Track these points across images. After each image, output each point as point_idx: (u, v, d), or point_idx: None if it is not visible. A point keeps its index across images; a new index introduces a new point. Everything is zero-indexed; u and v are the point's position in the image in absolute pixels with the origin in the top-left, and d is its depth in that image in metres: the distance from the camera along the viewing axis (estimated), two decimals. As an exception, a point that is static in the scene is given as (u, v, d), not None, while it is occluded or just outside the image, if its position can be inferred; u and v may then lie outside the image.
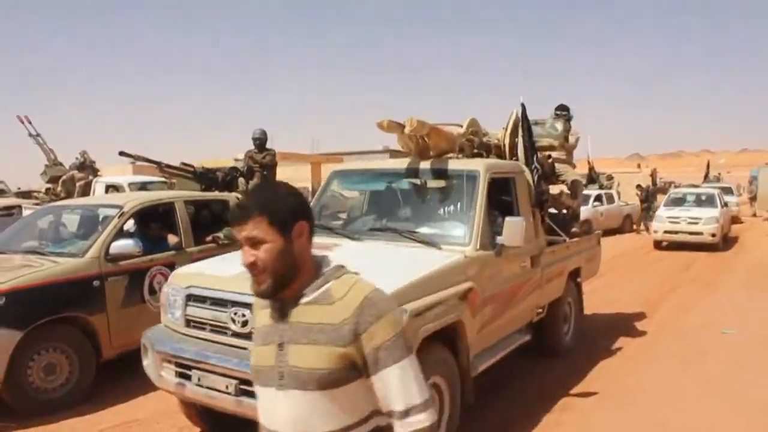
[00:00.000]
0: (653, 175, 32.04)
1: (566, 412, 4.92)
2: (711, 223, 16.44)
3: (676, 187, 30.41)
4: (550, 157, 7.20)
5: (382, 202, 5.56)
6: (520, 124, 5.63)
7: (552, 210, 6.87)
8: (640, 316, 8.34)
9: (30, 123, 17.79)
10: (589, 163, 26.97)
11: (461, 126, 5.72)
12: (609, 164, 53.28)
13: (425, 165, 5.17)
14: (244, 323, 3.63)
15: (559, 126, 6.47)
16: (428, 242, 4.44)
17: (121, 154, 7.68)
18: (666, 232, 16.87)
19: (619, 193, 24.29)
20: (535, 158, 5.56)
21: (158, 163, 7.78)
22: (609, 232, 20.17)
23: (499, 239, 4.52)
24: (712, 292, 10.15)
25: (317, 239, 1.81)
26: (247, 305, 3.51)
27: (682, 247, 16.17)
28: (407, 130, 4.75)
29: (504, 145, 5.84)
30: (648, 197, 22.40)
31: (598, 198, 21.76)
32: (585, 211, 19.87)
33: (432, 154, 5.24)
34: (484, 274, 4.44)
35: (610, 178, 27.71)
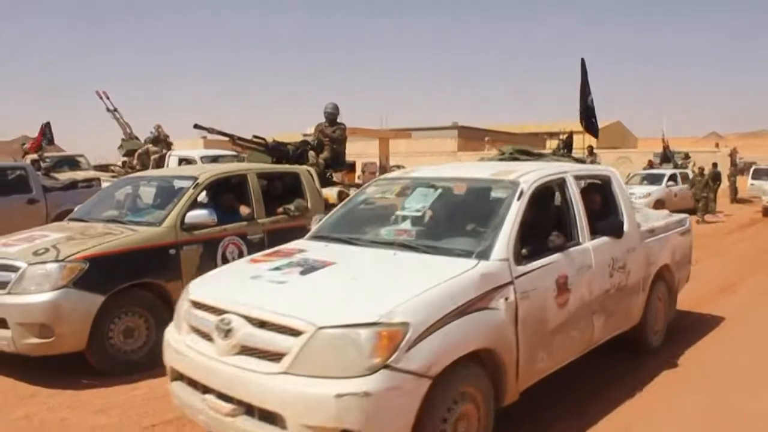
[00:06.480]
0: (732, 154, 30.64)
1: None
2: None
3: (756, 167, 29.11)
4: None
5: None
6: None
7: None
8: (719, 298, 8.02)
9: (108, 98, 18.50)
10: (663, 141, 26.17)
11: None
12: (685, 143, 51.22)
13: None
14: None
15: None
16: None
17: (196, 126, 7.87)
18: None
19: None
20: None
21: (231, 136, 7.93)
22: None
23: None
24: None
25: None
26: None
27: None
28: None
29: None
30: (708, 184, 19.11)
31: (672, 177, 21.36)
32: (658, 191, 19.90)
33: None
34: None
35: (686, 157, 26.73)
